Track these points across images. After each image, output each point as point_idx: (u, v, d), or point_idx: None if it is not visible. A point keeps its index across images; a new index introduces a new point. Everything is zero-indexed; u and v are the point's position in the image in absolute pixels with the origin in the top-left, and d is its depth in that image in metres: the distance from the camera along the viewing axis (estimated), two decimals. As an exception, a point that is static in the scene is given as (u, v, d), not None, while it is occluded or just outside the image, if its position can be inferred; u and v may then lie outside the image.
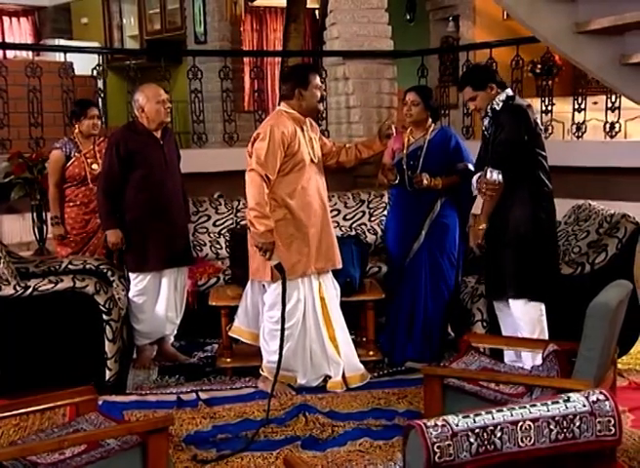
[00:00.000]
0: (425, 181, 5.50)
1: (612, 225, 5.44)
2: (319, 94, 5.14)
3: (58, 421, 4.62)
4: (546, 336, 4.75)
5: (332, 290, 5.31)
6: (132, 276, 5.68)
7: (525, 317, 4.80)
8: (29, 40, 13.86)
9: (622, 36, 4.96)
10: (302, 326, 5.21)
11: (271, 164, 4.99)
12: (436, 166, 5.58)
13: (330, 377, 5.30)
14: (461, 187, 5.47)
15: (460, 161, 5.63)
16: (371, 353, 5.67)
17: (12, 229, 7.20)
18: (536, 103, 7.85)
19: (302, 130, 5.16)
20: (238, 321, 5.45)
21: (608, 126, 7.37)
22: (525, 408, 2.43)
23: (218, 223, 7.01)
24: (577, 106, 7.66)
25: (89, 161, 6.17)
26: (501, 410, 2.41)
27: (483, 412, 2.40)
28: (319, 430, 4.61)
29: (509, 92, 4.84)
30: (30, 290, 5.06)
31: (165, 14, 12.56)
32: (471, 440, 2.35)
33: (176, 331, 5.94)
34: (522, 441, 2.39)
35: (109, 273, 5.83)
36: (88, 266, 5.81)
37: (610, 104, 7.34)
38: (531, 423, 2.40)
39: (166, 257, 5.62)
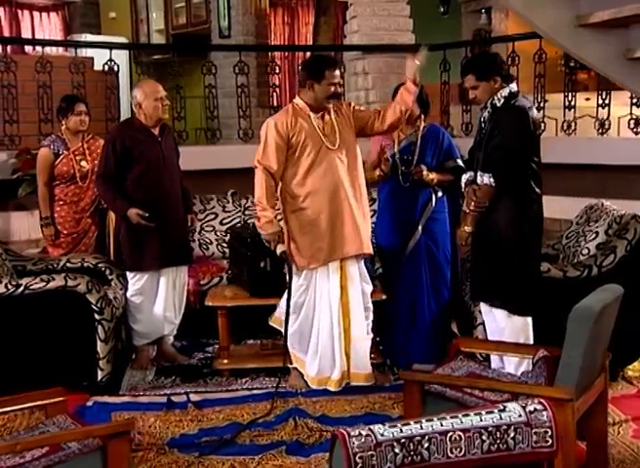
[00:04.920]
0: (425, 172, 5.44)
1: (621, 226, 5.28)
2: (332, 89, 5.02)
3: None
4: None
5: (357, 280, 5.18)
6: (129, 275, 5.62)
7: (509, 325, 4.65)
8: (59, 35, 13.89)
9: (627, 29, 4.73)
10: (313, 312, 5.18)
11: (271, 156, 5.01)
12: (430, 161, 5.55)
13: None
14: (453, 184, 5.42)
15: (450, 158, 5.58)
16: (372, 356, 5.45)
17: (20, 226, 7.18)
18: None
19: (313, 118, 5.06)
20: (278, 311, 5.36)
21: (632, 122, 7.11)
22: (457, 417, 2.30)
23: (225, 222, 6.92)
24: (600, 102, 7.41)
25: (77, 158, 6.12)
26: (431, 420, 2.29)
27: (412, 422, 2.28)
28: (306, 435, 4.52)
29: (514, 87, 4.64)
30: (22, 288, 5.02)
31: (190, 7, 12.48)
32: (396, 450, 2.25)
33: (175, 332, 5.86)
34: (451, 452, 2.28)
35: (107, 272, 5.81)
36: (86, 265, 5.79)
37: (635, 100, 7.08)
38: (461, 433, 2.29)
39: (163, 256, 5.53)
